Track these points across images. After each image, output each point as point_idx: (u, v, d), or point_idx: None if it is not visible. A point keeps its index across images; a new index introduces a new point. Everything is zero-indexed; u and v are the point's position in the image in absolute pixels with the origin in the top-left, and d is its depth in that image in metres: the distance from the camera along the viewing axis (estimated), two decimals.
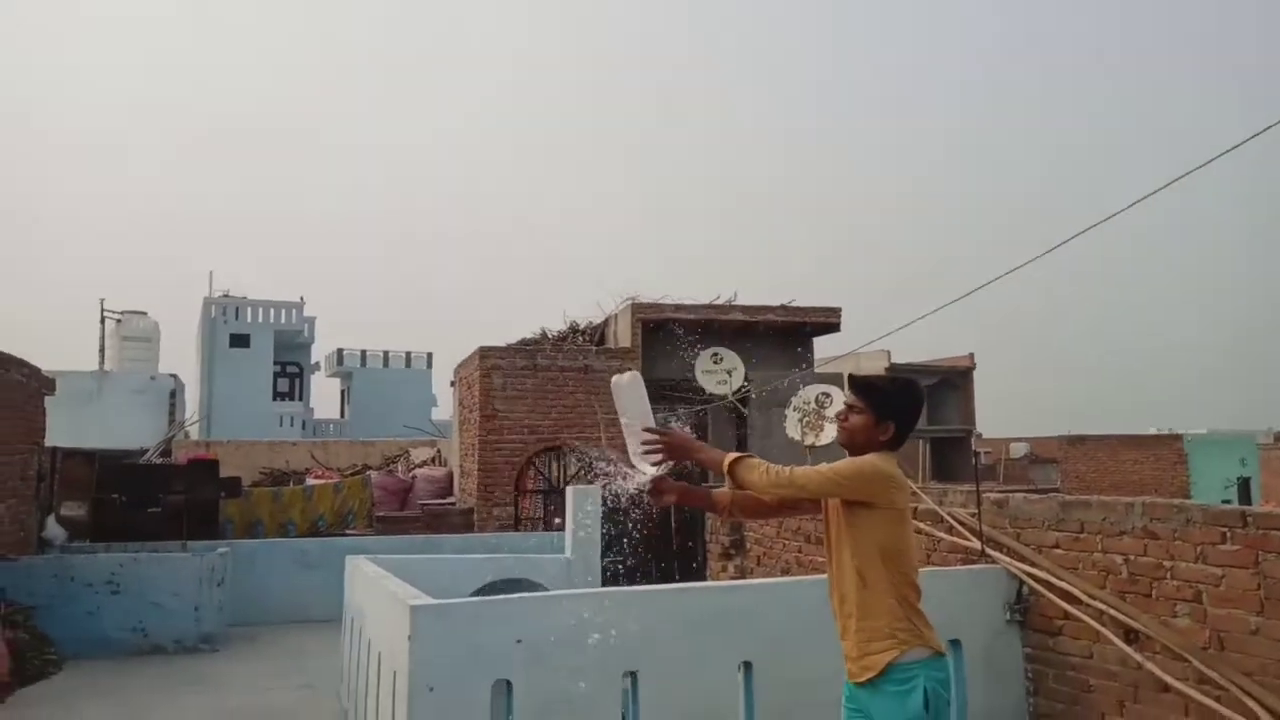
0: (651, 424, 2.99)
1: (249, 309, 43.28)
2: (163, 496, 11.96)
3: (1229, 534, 4.20)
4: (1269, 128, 4.22)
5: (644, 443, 2.93)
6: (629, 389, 3.05)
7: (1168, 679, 4.36)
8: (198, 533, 11.11)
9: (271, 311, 43.74)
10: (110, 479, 12.28)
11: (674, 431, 2.96)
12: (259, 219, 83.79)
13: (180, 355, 45.92)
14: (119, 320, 36.08)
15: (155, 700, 7.24)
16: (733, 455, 2.88)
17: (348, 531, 13.92)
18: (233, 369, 41.09)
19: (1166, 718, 4.42)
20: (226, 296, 43.32)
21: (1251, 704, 4.03)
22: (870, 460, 2.90)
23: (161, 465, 15.51)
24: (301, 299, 44.82)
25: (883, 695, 2.76)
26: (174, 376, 31.35)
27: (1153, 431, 32.68)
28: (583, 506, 8.49)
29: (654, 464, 2.94)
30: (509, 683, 4.29)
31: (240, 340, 42.26)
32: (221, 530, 12.64)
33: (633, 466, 2.99)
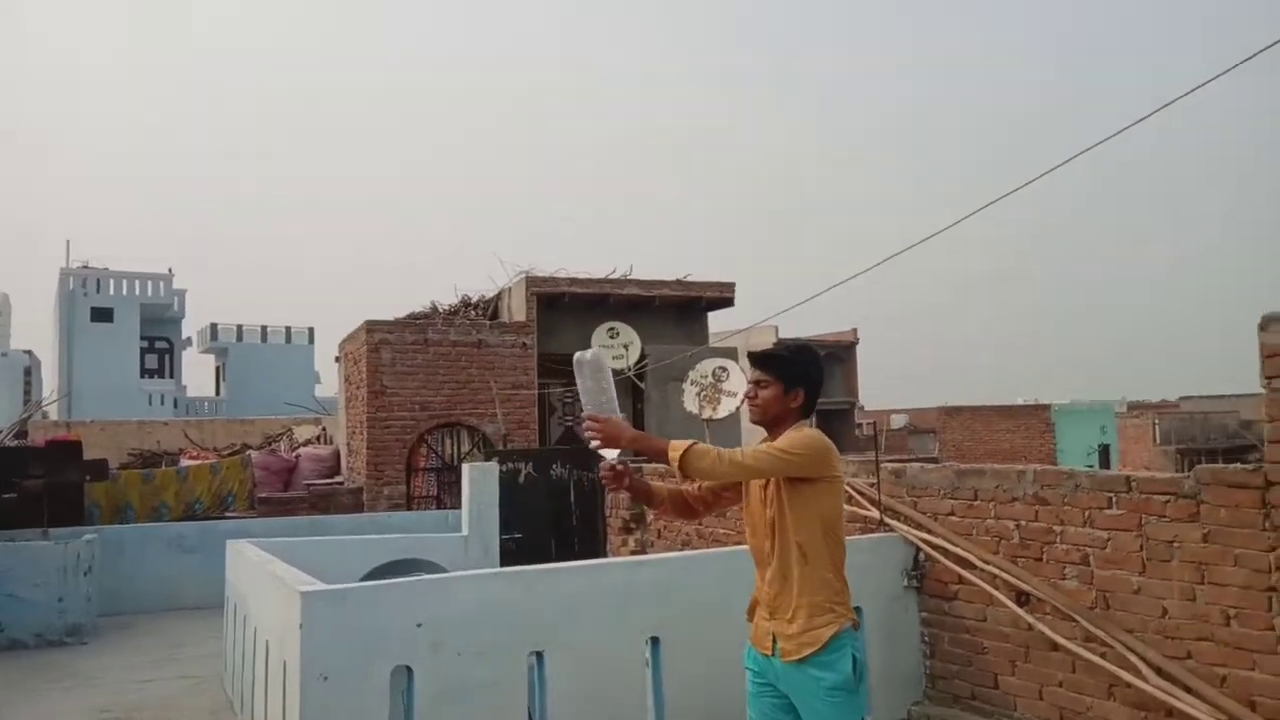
0: (604, 407, 2.86)
1: (111, 281, 40.58)
2: (18, 481, 11.06)
3: (1114, 499, 4.38)
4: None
5: (585, 428, 2.81)
6: (582, 367, 2.91)
7: (1057, 638, 4.55)
8: (60, 519, 10.34)
9: (137, 284, 41.16)
10: None
11: (610, 419, 2.83)
12: (122, 187, 78.75)
13: (35, 330, 42.92)
14: None
15: (13, 698, 6.70)
16: (680, 444, 2.77)
17: (227, 514, 13.25)
18: (95, 345, 38.52)
19: (1055, 675, 4.61)
20: (86, 268, 40.54)
21: (1133, 659, 4.24)
22: (811, 433, 2.87)
23: (16, 448, 14.39)
24: (170, 271, 42.41)
25: (813, 666, 2.74)
26: (28, 353, 29.26)
27: (1020, 402, 34.52)
28: (479, 484, 8.28)
29: (594, 449, 2.82)
30: (409, 669, 4.12)
31: (103, 314, 39.62)
32: (87, 516, 11.82)
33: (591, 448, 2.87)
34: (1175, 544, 4.14)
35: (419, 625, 4.16)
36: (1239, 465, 4.04)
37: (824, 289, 7.65)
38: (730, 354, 12.69)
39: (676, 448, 2.75)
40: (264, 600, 5.21)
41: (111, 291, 40.36)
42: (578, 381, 2.91)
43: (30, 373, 29.26)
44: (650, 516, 8.10)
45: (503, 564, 8.01)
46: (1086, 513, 4.49)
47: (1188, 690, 4.04)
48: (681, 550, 7.22)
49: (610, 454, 2.84)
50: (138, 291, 41.02)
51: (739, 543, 5.65)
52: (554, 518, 9.47)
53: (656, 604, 4.65)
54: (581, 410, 2.91)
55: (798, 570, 2.80)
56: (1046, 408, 31.05)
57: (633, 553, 8.06)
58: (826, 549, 2.82)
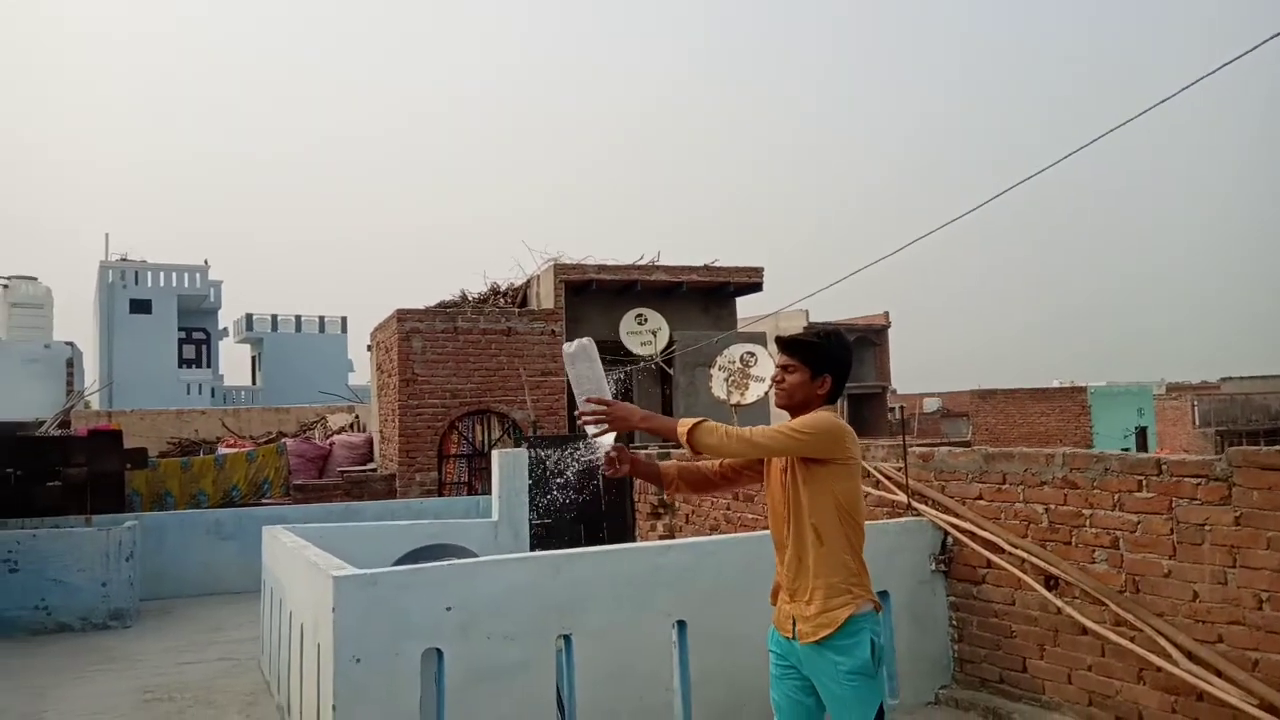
0: (604, 392, 2.89)
1: (149, 273, 41.29)
2: (62, 470, 11.35)
3: (1145, 482, 4.34)
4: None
5: (584, 412, 2.83)
6: (576, 356, 2.94)
7: (1086, 622, 4.52)
8: (102, 506, 10.61)
9: (174, 276, 41.83)
10: (3, 452, 11.61)
11: (617, 403, 2.85)
12: (159, 180, 79.88)
13: (77, 322, 43.85)
14: (6, 285, 34.05)
15: (62, 680, 6.90)
16: (689, 421, 2.79)
17: (264, 501, 13.49)
18: (134, 336, 39.26)
19: (1084, 659, 4.59)
20: (124, 260, 41.24)
21: (1163, 642, 4.20)
22: (825, 415, 2.87)
23: (60, 437, 14.74)
24: (206, 262, 43.01)
25: (831, 649, 2.75)
26: (70, 344, 29.87)
27: (1056, 385, 34.07)
28: (509, 469, 8.37)
29: (597, 433, 2.84)
30: (440, 651, 4.19)
31: (141, 306, 40.34)
32: (128, 503, 12.11)
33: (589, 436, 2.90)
34: (1206, 527, 4.10)
35: (449, 609, 4.23)
36: (1273, 447, 3.98)
37: (854, 270, 7.59)
38: (759, 339, 12.67)
39: (685, 424, 2.78)
40: (299, 585, 5.31)
41: (149, 284, 41.08)
42: (569, 373, 2.95)
43: (72, 364, 29.92)
44: (678, 502, 8.13)
45: (532, 549, 8.10)
46: (1116, 496, 4.45)
47: (1219, 674, 4.00)
48: (709, 535, 7.25)
49: (607, 439, 2.87)
50: (174, 283, 41.69)
51: (765, 527, 5.66)
52: (583, 503, 9.54)
53: (683, 588, 4.68)
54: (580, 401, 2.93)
55: (813, 552, 2.81)
56: (1083, 390, 30.62)
57: (661, 537, 8.10)
58: (843, 532, 2.83)
